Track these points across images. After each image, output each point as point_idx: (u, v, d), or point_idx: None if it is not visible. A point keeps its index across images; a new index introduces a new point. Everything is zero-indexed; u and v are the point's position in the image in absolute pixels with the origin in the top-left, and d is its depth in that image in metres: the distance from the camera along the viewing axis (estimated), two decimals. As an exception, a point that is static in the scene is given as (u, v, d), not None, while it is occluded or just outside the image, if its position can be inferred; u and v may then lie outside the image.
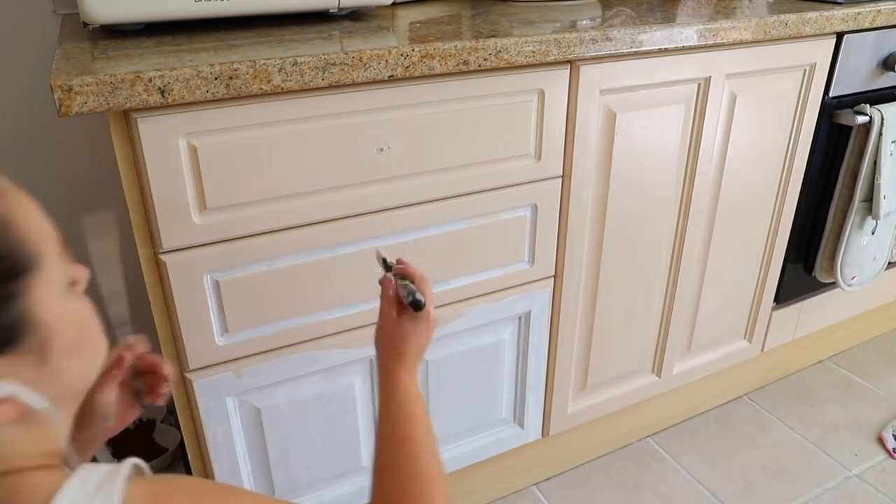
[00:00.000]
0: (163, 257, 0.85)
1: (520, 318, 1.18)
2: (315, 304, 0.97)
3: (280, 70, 0.80)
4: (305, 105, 0.85)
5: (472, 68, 0.92)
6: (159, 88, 0.75)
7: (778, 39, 1.19)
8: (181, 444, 1.36)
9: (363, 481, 1.15)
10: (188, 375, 0.93)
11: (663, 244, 1.27)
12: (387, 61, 0.86)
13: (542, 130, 1.04)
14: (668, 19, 1.09)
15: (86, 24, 0.89)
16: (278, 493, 1.09)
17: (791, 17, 1.16)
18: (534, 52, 0.95)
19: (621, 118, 1.10)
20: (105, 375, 0.67)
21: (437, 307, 1.06)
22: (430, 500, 0.63)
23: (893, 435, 1.55)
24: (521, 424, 1.29)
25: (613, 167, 1.13)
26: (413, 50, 0.87)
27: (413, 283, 0.72)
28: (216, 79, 0.77)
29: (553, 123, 1.04)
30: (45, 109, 1.19)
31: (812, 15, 1.18)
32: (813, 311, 1.61)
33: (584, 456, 1.48)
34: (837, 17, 1.21)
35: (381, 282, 0.75)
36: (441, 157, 0.97)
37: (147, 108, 0.77)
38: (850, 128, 1.35)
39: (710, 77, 1.16)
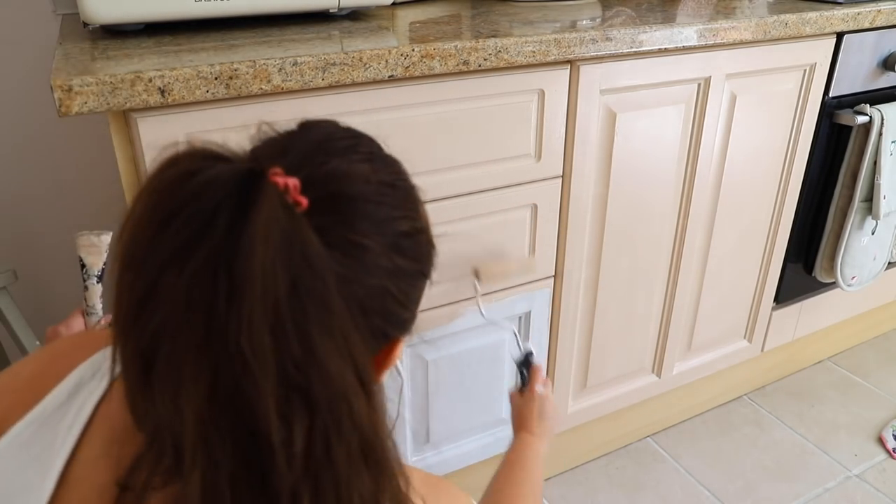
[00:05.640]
0: (163, 257, 0.85)
1: (520, 318, 1.18)
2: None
3: (280, 70, 0.80)
4: (305, 105, 0.85)
5: (472, 68, 0.92)
6: (159, 88, 0.75)
7: (778, 39, 1.19)
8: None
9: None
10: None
11: (663, 244, 1.27)
12: (387, 61, 0.86)
13: (542, 130, 1.04)
14: (668, 19, 1.09)
15: (86, 24, 0.89)
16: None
17: (791, 17, 1.16)
18: (534, 52, 0.95)
19: (621, 118, 1.10)
20: None
21: (438, 306, 1.07)
22: None
23: (893, 435, 1.55)
24: (521, 424, 1.29)
25: (613, 167, 1.13)
26: (413, 50, 0.87)
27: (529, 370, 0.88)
28: (216, 79, 0.77)
29: (553, 123, 1.04)
30: (45, 109, 1.19)
31: (812, 15, 1.18)
32: (813, 311, 1.61)
33: (584, 456, 1.47)
34: (837, 17, 1.21)
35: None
36: (441, 158, 0.97)
37: (147, 108, 0.77)
38: (850, 128, 1.35)
39: (710, 77, 1.16)
